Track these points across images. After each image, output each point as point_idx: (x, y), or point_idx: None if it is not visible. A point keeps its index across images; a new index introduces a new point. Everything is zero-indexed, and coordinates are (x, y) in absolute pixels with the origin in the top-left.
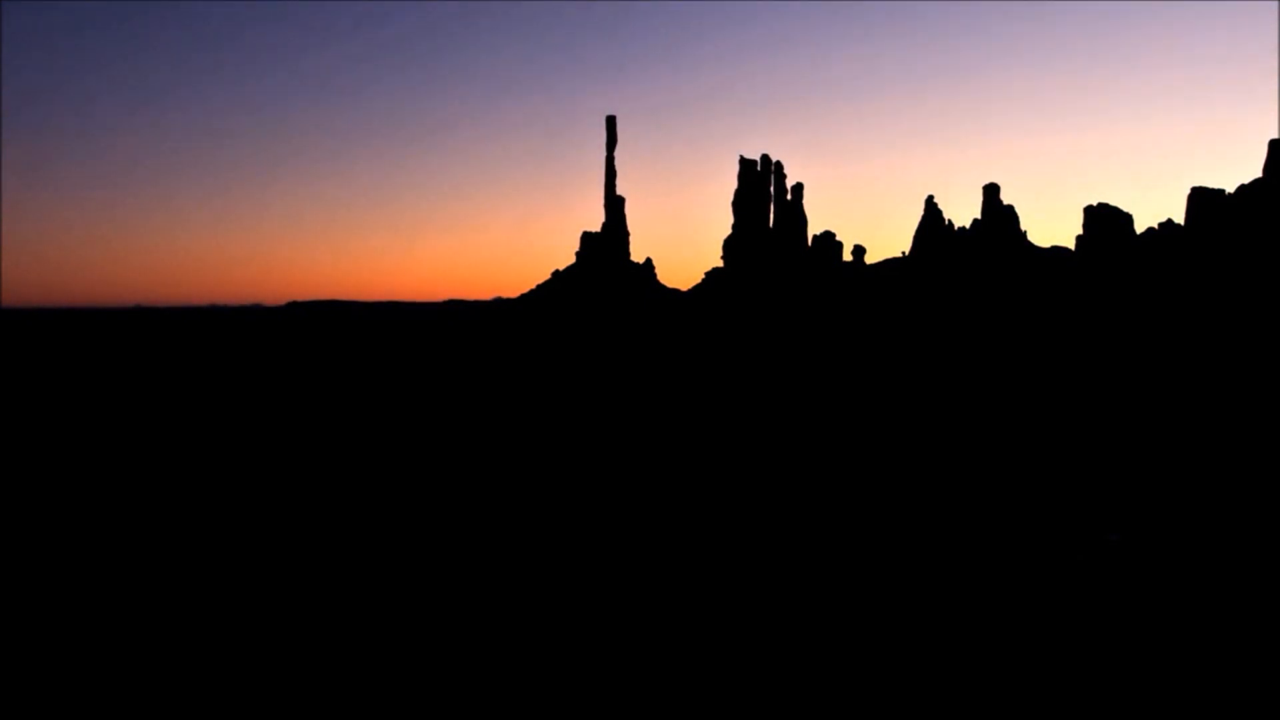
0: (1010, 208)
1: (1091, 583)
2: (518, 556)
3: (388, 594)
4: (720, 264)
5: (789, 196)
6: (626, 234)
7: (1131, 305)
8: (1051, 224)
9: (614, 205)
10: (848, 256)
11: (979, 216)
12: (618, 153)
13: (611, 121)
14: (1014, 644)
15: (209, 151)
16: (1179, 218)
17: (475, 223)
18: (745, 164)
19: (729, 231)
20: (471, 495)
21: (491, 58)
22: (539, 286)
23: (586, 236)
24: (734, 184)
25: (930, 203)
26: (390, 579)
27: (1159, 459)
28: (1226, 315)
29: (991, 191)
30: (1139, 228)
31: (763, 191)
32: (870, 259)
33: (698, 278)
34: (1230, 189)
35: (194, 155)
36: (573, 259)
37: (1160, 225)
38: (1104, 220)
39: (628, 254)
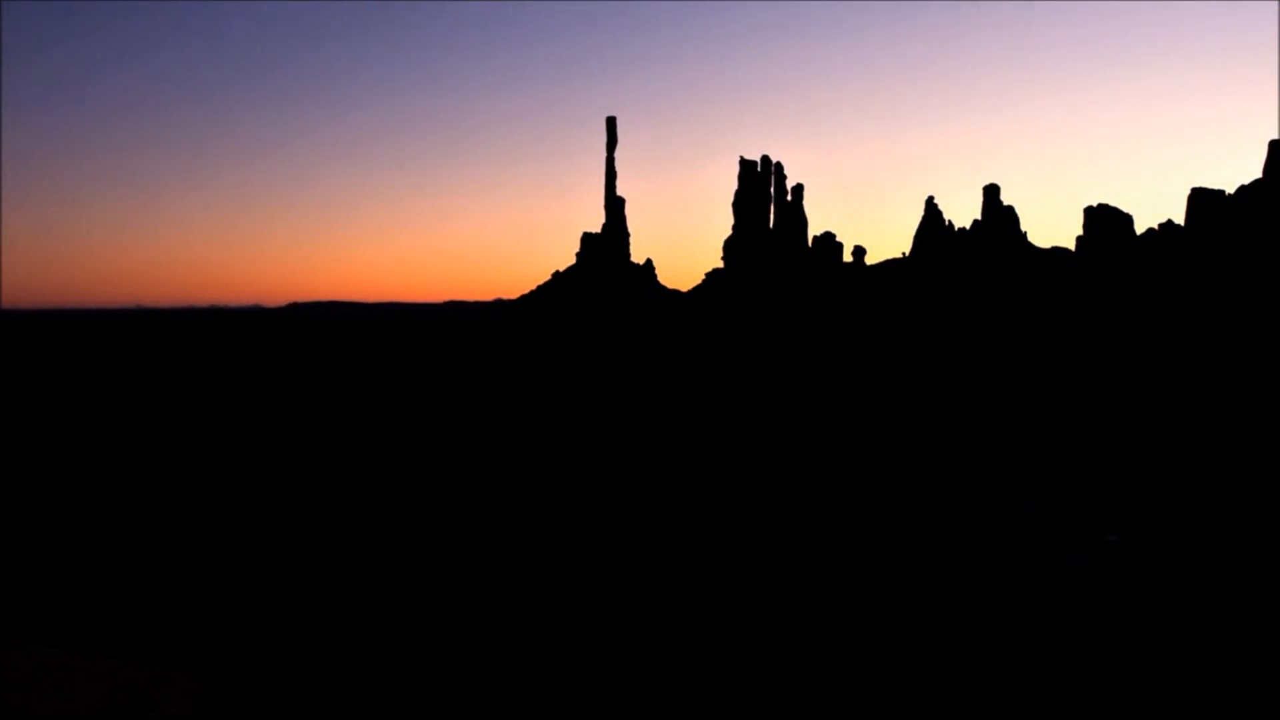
0: (1010, 208)
1: (1091, 583)
2: (519, 554)
3: (388, 591)
4: (720, 265)
5: (789, 197)
6: (627, 235)
7: (1131, 306)
8: (1051, 224)
9: (614, 206)
10: (848, 257)
11: (979, 217)
12: (618, 153)
13: (612, 122)
14: (1013, 642)
15: (210, 152)
16: (1179, 218)
17: (475, 223)
18: (745, 165)
19: (729, 232)
20: (473, 494)
21: (492, 58)
22: (539, 287)
23: (587, 237)
24: (734, 185)
25: (930, 203)
26: (392, 576)
27: (1159, 458)
28: (1226, 315)
29: (992, 192)
30: (1139, 228)
31: (763, 192)
32: (871, 259)
33: (698, 278)
34: (1230, 189)
35: (195, 156)
36: (573, 260)
37: (1160, 226)
38: (1104, 221)
39: (628, 255)
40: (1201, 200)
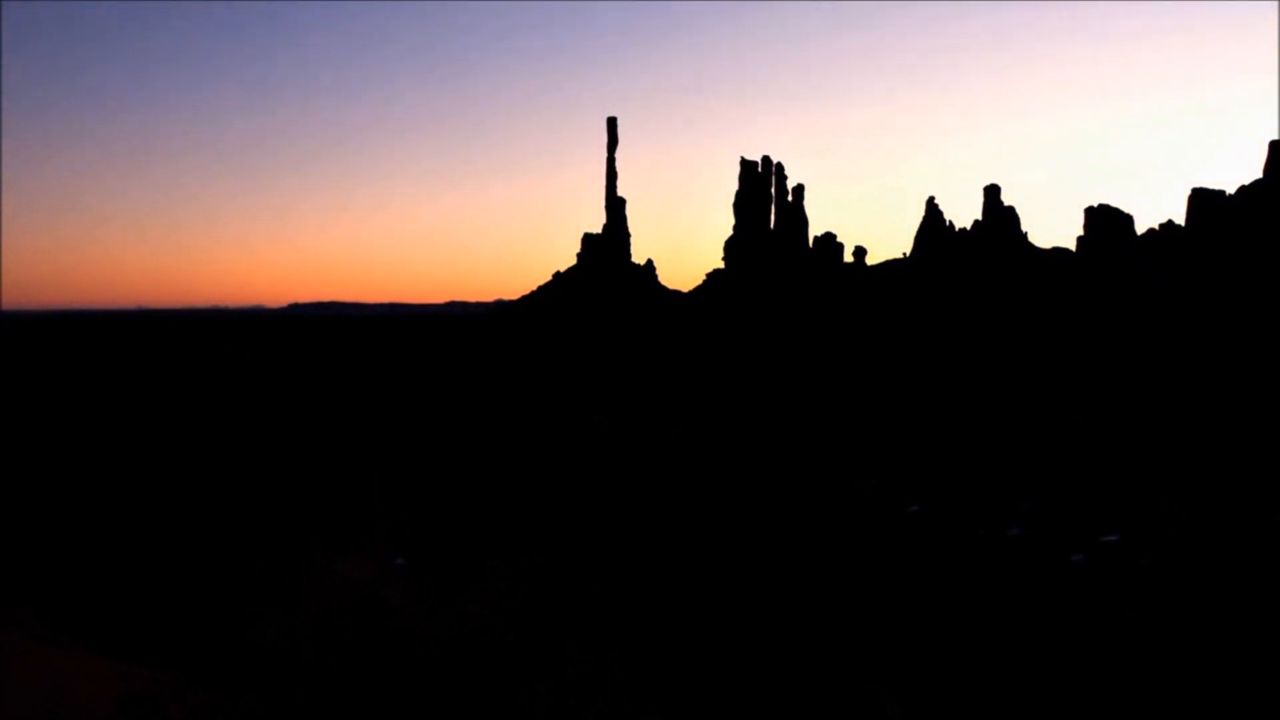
0: (1011, 208)
1: (1091, 582)
2: (518, 553)
3: (387, 591)
4: (721, 265)
5: (790, 198)
6: (627, 235)
7: (1132, 306)
8: (1051, 224)
9: (615, 206)
10: (849, 257)
11: (980, 217)
12: (618, 153)
13: (612, 123)
14: (1013, 642)
15: (211, 153)
16: (1179, 219)
17: (476, 224)
18: (746, 165)
19: (730, 232)
20: (473, 494)
21: (492, 58)
22: (540, 288)
23: (587, 238)
24: (735, 185)
25: (931, 204)
26: (391, 576)
27: (1158, 458)
28: (1227, 316)
29: (992, 192)
30: (1140, 228)
31: (764, 193)
32: (871, 260)
33: (699, 279)
34: (1230, 190)
35: (196, 157)
36: (574, 260)
37: (1161, 226)
38: (1105, 221)
39: (629, 255)
40: (1201, 200)
